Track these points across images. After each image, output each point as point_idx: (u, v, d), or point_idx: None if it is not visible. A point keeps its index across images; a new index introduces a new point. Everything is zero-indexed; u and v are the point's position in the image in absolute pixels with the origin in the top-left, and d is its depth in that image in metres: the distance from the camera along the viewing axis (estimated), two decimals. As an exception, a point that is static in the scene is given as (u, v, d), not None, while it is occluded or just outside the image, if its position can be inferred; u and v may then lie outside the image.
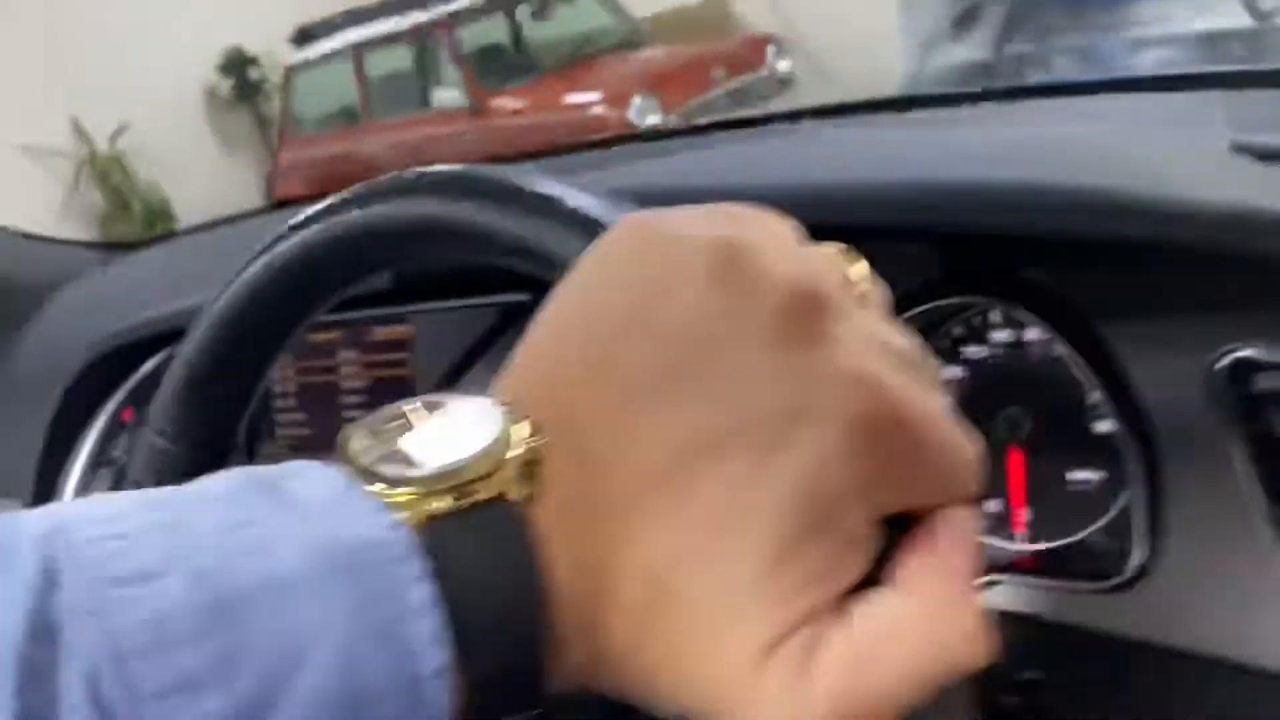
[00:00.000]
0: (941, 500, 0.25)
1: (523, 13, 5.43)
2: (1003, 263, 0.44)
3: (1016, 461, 0.48)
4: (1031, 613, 0.40)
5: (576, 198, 0.31)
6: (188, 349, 0.41)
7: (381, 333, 0.68)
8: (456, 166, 0.34)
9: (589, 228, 0.30)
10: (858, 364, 0.23)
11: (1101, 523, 0.42)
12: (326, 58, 5.64)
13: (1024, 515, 0.47)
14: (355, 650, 0.19)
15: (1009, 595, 0.40)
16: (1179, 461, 0.38)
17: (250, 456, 0.73)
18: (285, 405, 0.74)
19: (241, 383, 0.42)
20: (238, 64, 6.44)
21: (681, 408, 0.22)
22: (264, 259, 0.39)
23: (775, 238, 0.26)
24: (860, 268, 0.27)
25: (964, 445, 0.25)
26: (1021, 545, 0.46)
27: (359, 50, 5.43)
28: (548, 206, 0.31)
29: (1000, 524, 0.48)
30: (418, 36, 5.23)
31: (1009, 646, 0.39)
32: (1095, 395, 0.41)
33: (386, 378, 0.69)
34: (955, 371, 0.49)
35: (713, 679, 0.22)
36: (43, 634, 0.18)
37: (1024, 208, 0.41)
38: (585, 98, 4.69)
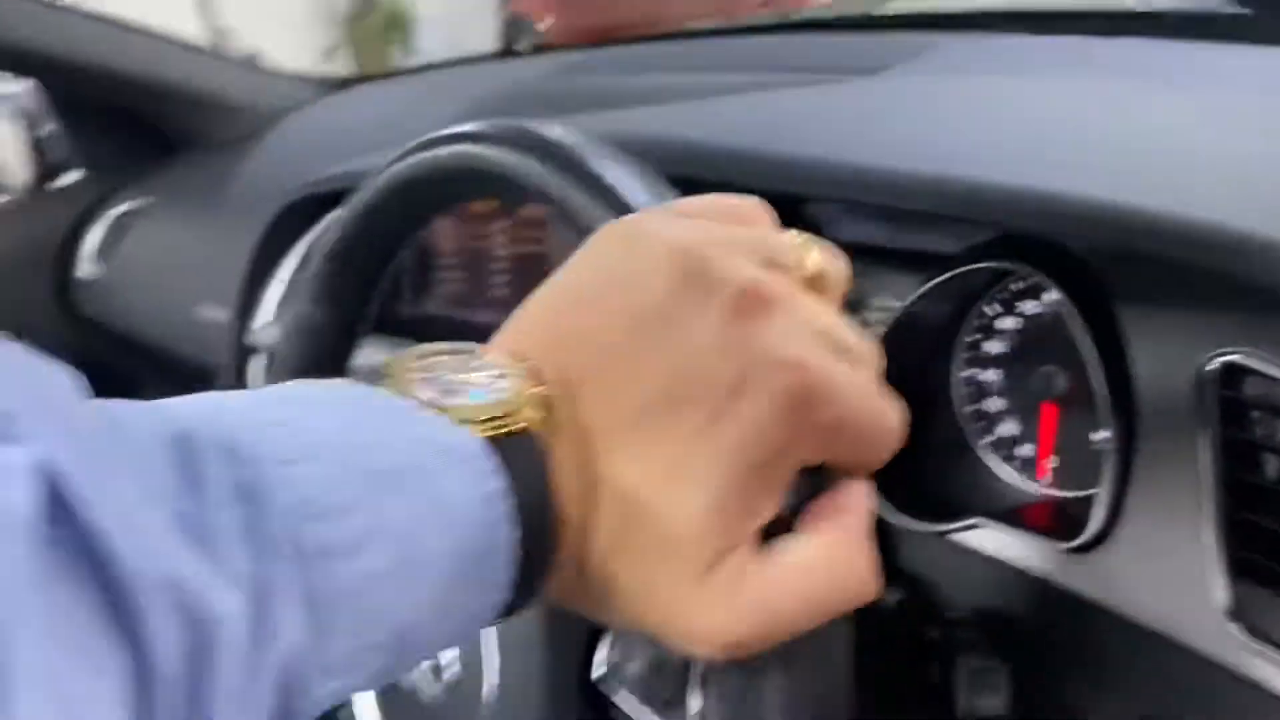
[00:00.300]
0: (856, 459, 0.32)
1: None
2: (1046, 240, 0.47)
3: (1048, 415, 0.52)
4: (1000, 557, 0.44)
5: (624, 184, 0.37)
6: (330, 236, 0.51)
7: (525, 211, 0.76)
8: (550, 128, 0.41)
9: (619, 210, 0.36)
10: (791, 350, 0.29)
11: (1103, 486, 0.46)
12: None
13: (1049, 464, 0.51)
14: (463, 521, 0.27)
15: (985, 538, 0.45)
16: (1154, 448, 0.42)
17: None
18: (446, 263, 0.84)
19: (374, 270, 0.51)
20: None
21: (648, 374, 0.30)
22: (391, 170, 0.47)
23: (738, 242, 0.32)
24: (815, 257, 0.33)
25: (884, 417, 0.31)
26: (1046, 490, 0.51)
27: None
28: (598, 185, 0.37)
29: (1027, 468, 0.52)
30: None
31: (964, 583, 0.44)
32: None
33: (527, 252, 0.77)
34: (1008, 323, 0.53)
35: (661, 588, 0.29)
36: (248, 496, 0.24)
37: (1079, 223, 0.43)
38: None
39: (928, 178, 0.47)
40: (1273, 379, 0.38)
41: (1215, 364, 0.40)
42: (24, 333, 1.06)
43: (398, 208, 0.48)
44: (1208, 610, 0.39)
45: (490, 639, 0.40)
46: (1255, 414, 0.40)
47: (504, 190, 0.42)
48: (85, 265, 1.27)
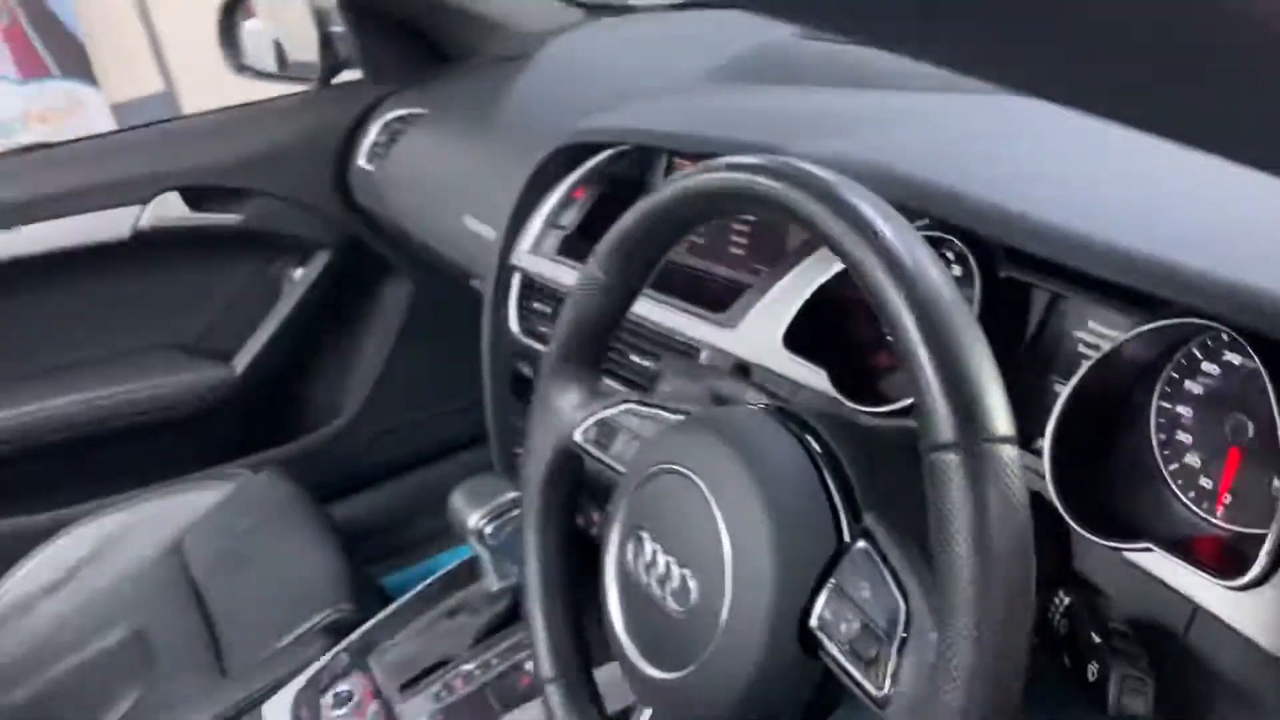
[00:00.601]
0: None
1: None
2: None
3: (1232, 458, 0.57)
4: (1166, 581, 0.52)
5: (878, 223, 0.46)
6: (628, 221, 0.61)
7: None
8: (819, 172, 0.49)
9: (871, 242, 0.45)
10: None
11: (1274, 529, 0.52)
12: None
13: (1226, 499, 0.57)
14: None
15: (1155, 561, 0.52)
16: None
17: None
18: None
19: (655, 252, 0.61)
20: None
21: None
22: (684, 183, 0.57)
23: None
24: None
25: None
26: (1219, 523, 0.57)
27: None
28: (858, 221, 0.46)
29: (1205, 499, 0.58)
30: None
31: (1130, 596, 0.52)
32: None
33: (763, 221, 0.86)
34: (1210, 369, 0.59)
35: None
36: None
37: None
38: None
39: (1160, 264, 0.52)
40: None
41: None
42: (305, 208, 1.25)
43: (684, 212, 0.57)
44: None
45: (727, 575, 0.51)
46: None
47: (778, 214, 0.50)
48: (361, 159, 1.43)
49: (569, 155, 1.00)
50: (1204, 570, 0.50)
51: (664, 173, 0.97)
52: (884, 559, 0.48)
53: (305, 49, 1.57)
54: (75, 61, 5.18)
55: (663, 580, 0.54)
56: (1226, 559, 0.52)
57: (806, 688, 0.51)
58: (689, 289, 0.84)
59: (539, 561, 0.68)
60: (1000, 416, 0.42)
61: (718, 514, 0.52)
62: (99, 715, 1.12)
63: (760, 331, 0.75)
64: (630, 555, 0.57)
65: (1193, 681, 0.50)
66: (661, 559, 0.54)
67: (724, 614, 0.51)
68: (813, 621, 0.49)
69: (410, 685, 0.91)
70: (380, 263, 1.54)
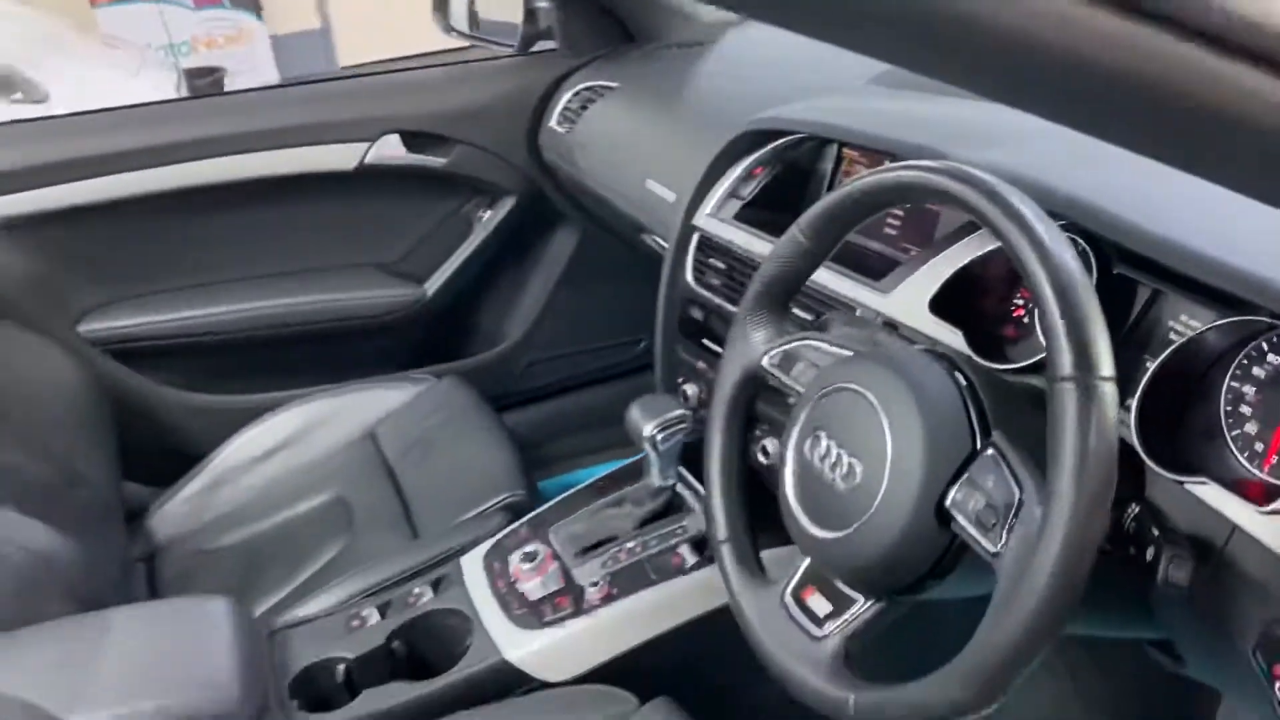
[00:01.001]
0: None
1: None
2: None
3: (1280, 432, 0.74)
4: (1214, 507, 0.69)
5: (1035, 222, 0.64)
6: (832, 200, 0.80)
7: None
8: (988, 178, 0.67)
9: (1028, 236, 0.63)
10: None
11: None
12: None
13: (1273, 460, 0.74)
14: None
15: (1208, 492, 0.70)
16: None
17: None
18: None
19: (847, 227, 0.80)
20: None
21: None
22: (879, 177, 0.75)
23: None
24: None
25: None
26: (1264, 475, 0.74)
27: None
28: (1021, 222, 0.64)
29: (1255, 458, 0.75)
30: None
31: (1186, 517, 0.69)
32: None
33: (920, 208, 1.04)
34: (1275, 359, 0.75)
35: None
36: None
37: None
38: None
39: (1241, 272, 0.69)
40: None
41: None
42: (499, 159, 1.51)
43: (878, 198, 0.76)
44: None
45: (887, 464, 0.70)
46: None
47: (953, 205, 0.69)
48: (553, 121, 1.64)
49: (752, 138, 1.20)
50: (1246, 501, 0.68)
51: (833, 162, 1.15)
52: (1005, 461, 0.66)
53: (496, 12, 1.79)
54: (244, -9, 5.54)
55: (834, 466, 0.74)
56: (1264, 495, 0.69)
57: (935, 552, 0.70)
58: (853, 261, 1.02)
59: (721, 452, 0.88)
60: (1107, 363, 0.61)
61: (884, 421, 0.71)
62: (305, 561, 1.36)
63: (910, 297, 0.94)
64: (808, 448, 0.77)
65: (1226, 580, 0.67)
66: (835, 450, 0.74)
67: (881, 492, 0.70)
68: (947, 502, 0.68)
69: (583, 553, 1.13)
70: (554, 213, 1.75)
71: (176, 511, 1.49)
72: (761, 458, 1.10)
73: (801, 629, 0.77)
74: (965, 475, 0.68)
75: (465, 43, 1.84)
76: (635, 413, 1.11)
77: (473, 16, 1.82)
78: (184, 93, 3.91)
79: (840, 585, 0.76)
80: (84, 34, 4.41)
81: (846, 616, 0.75)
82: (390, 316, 1.69)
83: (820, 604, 0.77)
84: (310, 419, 1.55)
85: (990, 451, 0.68)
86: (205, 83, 4.66)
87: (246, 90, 1.65)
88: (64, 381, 1.46)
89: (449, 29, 1.79)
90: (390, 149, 1.60)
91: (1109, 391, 0.60)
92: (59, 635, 1.01)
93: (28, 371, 1.42)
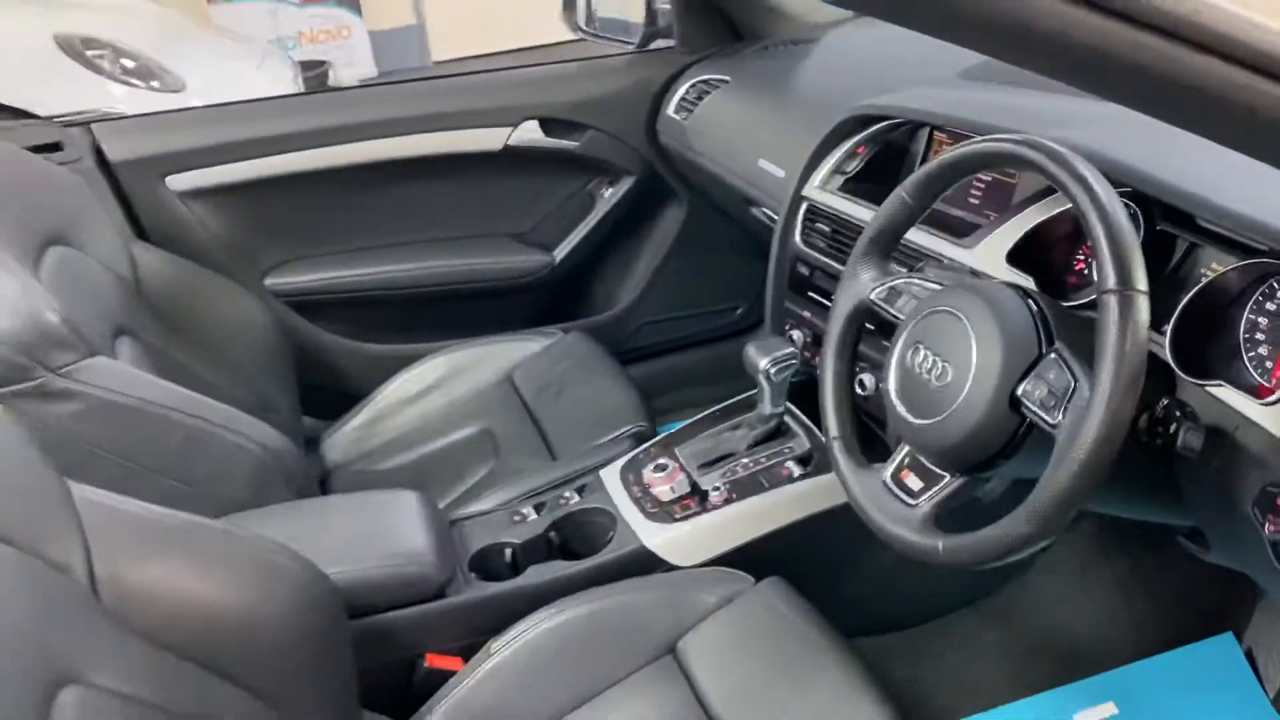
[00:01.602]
0: None
1: None
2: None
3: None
4: (1227, 402, 0.89)
5: (1099, 187, 0.85)
6: (932, 166, 1.01)
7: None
8: (1062, 150, 0.88)
9: (1091, 197, 0.84)
10: None
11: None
12: None
13: (1277, 375, 0.94)
14: None
15: (1224, 392, 0.90)
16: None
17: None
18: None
19: (943, 188, 1.02)
20: None
21: None
22: (967, 148, 0.97)
23: None
24: None
25: None
26: (1269, 384, 0.94)
27: None
28: (1085, 186, 0.85)
29: (1265, 374, 0.95)
30: None
31: (1204, 410, 0.90)
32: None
33: (999, 179, 1.24)
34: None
35: None
36: None
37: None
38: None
39: (1258, 222, 0.89)
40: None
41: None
42: (621, 143, 1.80)
43: (970, 164, 0.98)
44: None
45: (972, 366, 0.91)
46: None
47: (1031, 170, 0.90)
48: (669, 110, 1.87)
49: (855, 122, 1.41)
50: (1252, 397, 0.88)
51: (925, 143, 1.36)
52: (1064, 361, 0.88)
53: (613, 10, 2.03)
54: (345, -10, 5.86)
55: (930, 369, 0.95)
56: (1267, 394, 0.89)
57: (1006, 434, 0.91)
58: (942, 224, 1.24)
59: (834, 368, 1.10)
60: (1141, 280, 0.81)
61: (971, 334, 0.93)
62: (461, 479, 1.61)
63: (990, 251, 1.15)
64: (909, 357, 0.98)
65: (1233, 456, 0.88)
66: (931, 357, 0.96)
67: (967, 387, 0.92)
68: (1019, 392, 0.89)
69: (706, 466, 1.36)
70: (667, 191, 1.98)
71: (344, 441, 1.75)
72: (859, 390, 1.32)
73: (900, 500, 0.99)
74: (1033, 372, 0.89)
75: (582, 38, 2.08)
76: (751, 350, 1.33)
77: (592, 16, 2.06)
78: (300, 83, 4.22)
79: (930, 465, 0.98)
80: (205, 28, 4.76)
81: (935, 490, 0.97)
82: (524, 280, 1.94)
83: (914, 482, 0.99)
84: (455, 365, 1.79)
85: (1053, 355, 0.89)
86: (314, 75, 4.97)
87: (409, 80, 1.89)
88: (256, 324, 1.72)
89: (576, 28, 2.02)
90: (530, 133, 1.85)
91: (1143, 302, 0.81)
92: (294, 514, 1.27)
93: (229, 314, 1.68)
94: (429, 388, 1.78)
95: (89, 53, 3.65)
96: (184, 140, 1.74)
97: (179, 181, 1.74)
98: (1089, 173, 0.87)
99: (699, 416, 1.45)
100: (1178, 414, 0.89)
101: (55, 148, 1.64)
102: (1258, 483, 0.86)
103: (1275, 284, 0.95)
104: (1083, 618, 1.44)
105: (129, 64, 3.72)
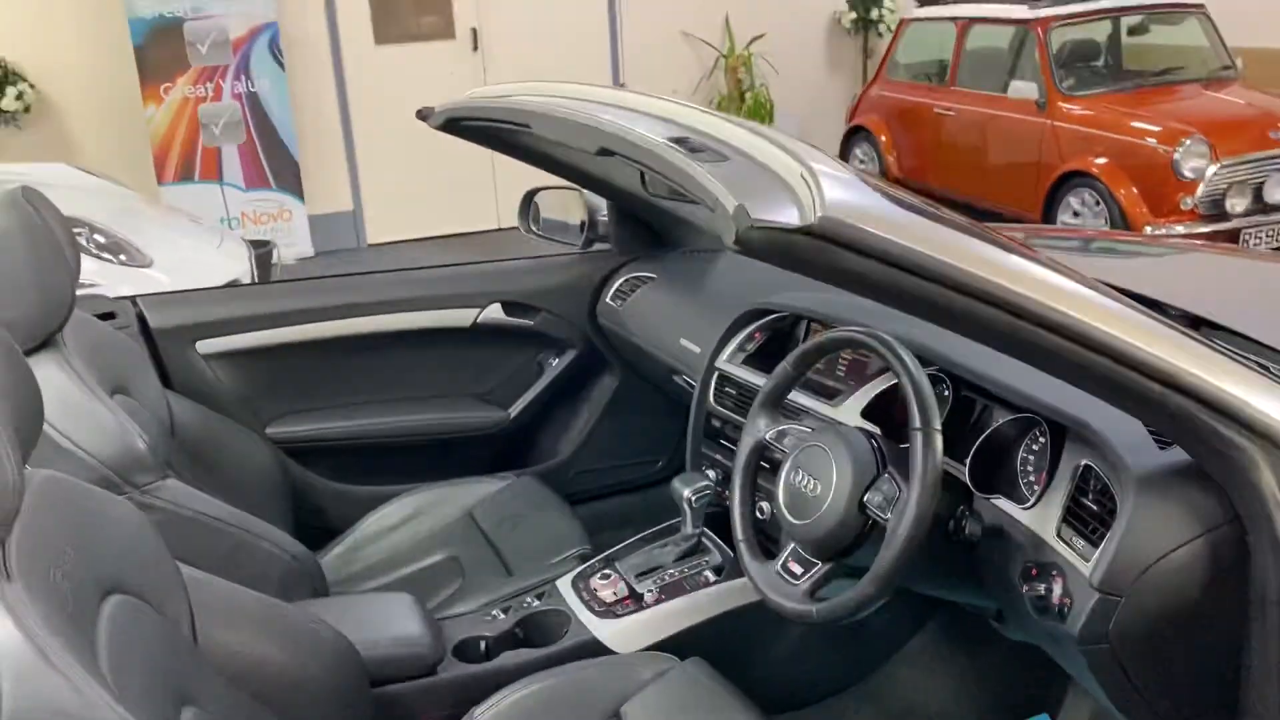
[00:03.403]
0: None
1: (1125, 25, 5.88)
2: None
3: (1043, 479, 1.39)
4: (1004, 510, 1.32)
5: (909, 363, 1.30)
6: (809, 346, 1.46)
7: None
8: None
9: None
10: None
11: None
12: (937, 20, 6.53)
13: (1038, 489, 1.38)
14: None
15: (1001, 502, 1.33)
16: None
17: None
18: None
19: (814, 361, 1.47)
20: (865, 2, 7.50)
21: None
22: (836, 333, 1.42)
23: None
24: None
25: None
26: (1030, 496, 1.37)
27: (966, 24, 6.23)
28: (897, 355, 1.31)
29: (1032, 488, 1.39)
30: (1018, 26, 5.89)
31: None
32: None
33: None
34: (1041, 440, 1.40)
35: None
36: None
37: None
38: (1142, 126, 5.12)
39: (1023, 394, 1.36)
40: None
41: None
42: (568, 322, 2.33)
43: (831, 345, 1.43)
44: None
45: (833, 483, 1.32)
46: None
47: (868, 351, 1.35)
48: (607, 299, 2.33)
49: (754, 313, 1.88)
50: (1018, 505, 1.32)
51: (805, 330, 1.83)
52: (894, 478, 1.30)
53: (554, 214, 2.49)
54: (290, 178, 6.37)
55: (805, 485, 1.37)
56: (1026, 502, 1.32)
57: (855, 530, 1.32)
58: (817, 387, 1.68)
59: (741, 491, 1.51)
60: (936, 422, 1.25)
61: (833, 461, 1.35)
62: (433, 595, 1.93)
63: (850, 408, 1.59)
64: (792, 476, 1.40)
65: (1006, 545, 1.30)
66: (807, 477, 1.37)
67: (830, 496, 1.33)
68: (864, 499, 1.31)
69: (641, 575, 1.73)
70: (603, 363, 2.42)
71: (328, 567, 2.07)
72: (759, 514, 1.72)
73: (787, 581, 1.39)
74: (874, 486, 1.31)
75: (533, 239, 2.54)
76: (677, 482, 1.73)
77: (539, 220, 2.53)
78: (253, 262, 4.60)
79: (807, 555, 1.38)
80: (159, 208, 5.15)
81: (811, 573, 1.37)
82: (483, 432, 2.33)
83: (796, 568, 1.39)
84: (423, 503, 2.14)
85: (886, 474, 1.32)
86: (261, 253, 5.37)
87: (398, 270, 2.32)
88: (259, 466, 2.06)
89: (528, 230, 2.49)
90: (494, 313, 2.28)
91: (937, 436, 1.25)
92: (318, 607, 1.60)
93: (239, 455, 2.02)
94: (402, 521, 2.12)
95: (65, 230, 3.99)
96: (211, 313, 2.12)
97: (206, 346, 2.10)
98: (904, 353, 1.32)
99: (633, 539, 1.83)
100: (967, 514, 1.32)
101: (111, 315, 2.00)
102: (1020, 561, 1.29)
103: (1037, 432, 1.40)
104: (934, 700, 1.82)
105: (100, 239, 4.06)
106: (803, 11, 7.56)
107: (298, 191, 6.43)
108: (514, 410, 2.36)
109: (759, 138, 1.11)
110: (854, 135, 7.37)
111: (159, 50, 5.96)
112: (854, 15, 7.60)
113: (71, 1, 6.12)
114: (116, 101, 6.17)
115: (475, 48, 6.95)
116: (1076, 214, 5.37)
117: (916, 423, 1.26)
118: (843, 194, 0.98)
